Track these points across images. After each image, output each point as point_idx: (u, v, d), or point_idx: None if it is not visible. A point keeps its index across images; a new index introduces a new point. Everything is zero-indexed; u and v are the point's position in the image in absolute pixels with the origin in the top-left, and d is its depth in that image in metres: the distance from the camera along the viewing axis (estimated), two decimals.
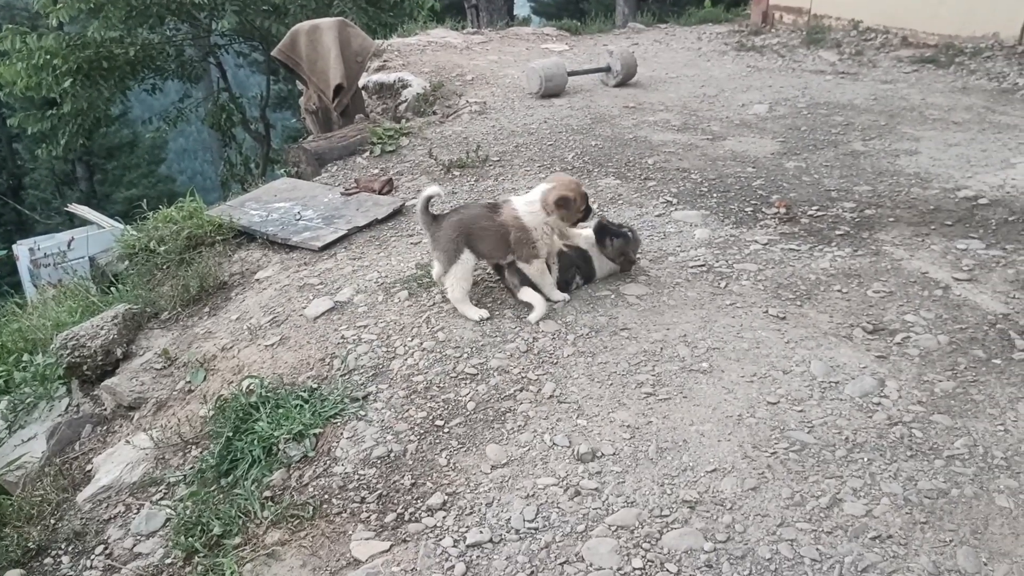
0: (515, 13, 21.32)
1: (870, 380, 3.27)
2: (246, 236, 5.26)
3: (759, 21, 11.71)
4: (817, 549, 2.50)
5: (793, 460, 2.87)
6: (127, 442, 3.71)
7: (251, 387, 3.59)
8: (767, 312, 3.82)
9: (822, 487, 2.75)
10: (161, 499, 3.28)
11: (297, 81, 8.41)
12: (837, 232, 4.65)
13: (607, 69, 8.56)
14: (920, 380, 3.29)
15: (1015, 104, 7.17)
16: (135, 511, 3.28)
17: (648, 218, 4.94)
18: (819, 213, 4.91)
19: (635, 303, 3.94)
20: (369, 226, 5.09)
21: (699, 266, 4.30)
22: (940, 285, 4.02)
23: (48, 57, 12.71)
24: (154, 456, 3.53)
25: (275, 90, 19.93)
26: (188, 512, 3.06)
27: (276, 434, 3.24)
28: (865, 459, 2.86)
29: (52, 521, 3.37)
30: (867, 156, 5.91)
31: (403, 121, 7.58)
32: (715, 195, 5.27)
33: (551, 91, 8.01)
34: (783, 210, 4.93)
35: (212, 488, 3.18)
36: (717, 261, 4.35)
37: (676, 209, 5.07)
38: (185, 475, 3.34)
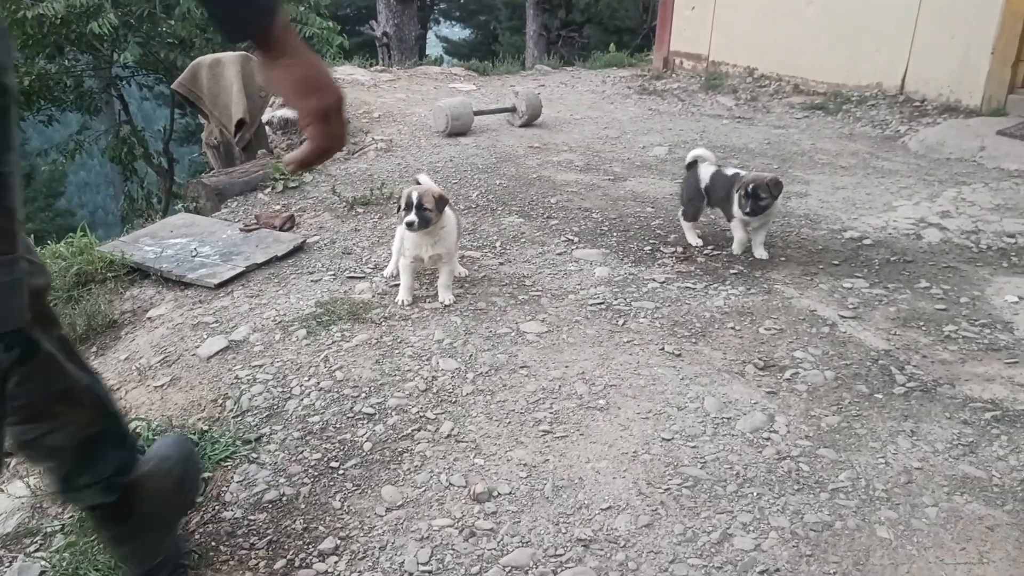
0: (428, 53, 21.53)
1: (760, 415, 3.36)
2: (140, 273, 5.08)
3: (660, 66, 12.10)
4: None
5: (686, 496, 2.91)
6: (1, 490, 3.50)
7: (138, 431, 3.45)
8: (663, 349, 3.89)
9: (713, 522, 2.79)
10: (36, 551, 3.10)
11: (199, 115, 8.24)
12: (731, 271, 4.80)
13: (513, 109, 8.67)
14: (807, 415, 3.39)
15: (896, 151, 7.58)
16: (7, 564, 3.08)
17: (550, 256, 4.99)
18: (714, 252, 5.06)
19: (535, 341, 3.96)
20: (268, 263, 4.99)
21: (598, 304, 4.36)
22: (827, 322, 4.17)
23: None
24: (31, 505, 3.33)
25: (182, 124, 19.46)
26: (65, 564, 2.90)
27: None
28: (755, 493, 2.93)
29: None
30: None
31: None
32: (615, 234, 5.38)
33: (457, 130, 8.06)
34: (680, 250, 5.06)
35: (92, 538, 3.03)
36: (616, 299, 4.42)
37: (577, 247, 5.15)
38: (63, 525, 3.16)
